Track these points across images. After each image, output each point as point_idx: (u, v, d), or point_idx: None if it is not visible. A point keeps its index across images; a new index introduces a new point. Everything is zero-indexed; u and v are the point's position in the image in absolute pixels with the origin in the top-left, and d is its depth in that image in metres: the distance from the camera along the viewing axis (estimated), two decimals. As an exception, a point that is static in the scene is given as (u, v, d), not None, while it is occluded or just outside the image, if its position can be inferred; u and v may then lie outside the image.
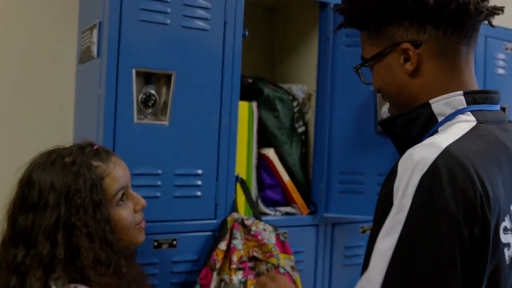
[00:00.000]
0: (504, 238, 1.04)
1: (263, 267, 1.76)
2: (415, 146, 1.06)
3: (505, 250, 1.05)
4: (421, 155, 1.01)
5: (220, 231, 1.76)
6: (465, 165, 1.00)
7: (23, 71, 2.01)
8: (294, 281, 1.78)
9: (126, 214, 1.42)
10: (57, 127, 2.04)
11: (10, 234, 1.33)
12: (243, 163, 1.90)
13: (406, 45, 1.17)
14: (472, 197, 0.98)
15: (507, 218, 1.05)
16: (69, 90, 2.04)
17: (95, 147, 1.44)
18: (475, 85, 1.20)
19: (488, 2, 1.18)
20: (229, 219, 1.78)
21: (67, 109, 2.03)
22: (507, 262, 1.05)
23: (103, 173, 1.38)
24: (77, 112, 1.99)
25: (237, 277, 1.68)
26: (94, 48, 1.72)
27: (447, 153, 1.01)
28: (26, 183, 1.34)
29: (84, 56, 1.85)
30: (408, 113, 1.20)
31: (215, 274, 1.68)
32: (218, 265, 1.70)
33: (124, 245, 1.42)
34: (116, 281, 1.32)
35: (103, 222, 1.34)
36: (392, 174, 1.05)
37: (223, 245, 1.71)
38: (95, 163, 1.38)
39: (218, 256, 1.71)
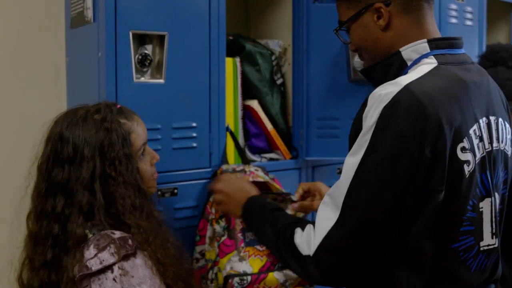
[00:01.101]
0: (463, 156, 1.29)
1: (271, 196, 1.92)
2: (382, 85, 1.31)
3: (465, 166, 1.29)
4: (386, 91, 1.26)
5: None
6: (419, 97, 1.24)
7: (12, 40, 2.07)
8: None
9: (147, 167, 1.58)
10: (51, 90, 2.12)
11: (46, 186, 1.45)
12: (230, 115, 2.06)
13: (379, 5, 1.40)
14: (424, 123, 1.22)
15: (465, 140, 1.29)
16: (60, 55, 2.12)
17: (119, 106, 1.58)
18: (438, 34, 1.44)
19: None
20: (218, 171, 1.94)
21: (60, 73, 2.12)
22: (467, 176, 1.30)
23: (129, 129, 1.53)
24: (70, 75, 2.07)
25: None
26: (89, 13, 1.82)
27: (405, 89, 1.25)
28: (59, 139, 1.47)
29: (76, 21, 1.94)
30: (384, 61, 1.44)
31: (209, 224, 1.85)
32: (211, 216, 1.86)
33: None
34: (150, 224, 1.47)
35: (134, 172, 1.49)
36: (363, 106, 1.31)
37: (211, 197, 1.87)
38: (122, 120, 1.53)
39: (211, 208, 1.87)
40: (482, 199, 1.36)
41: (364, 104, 1.30)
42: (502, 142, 1.43)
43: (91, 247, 1.37)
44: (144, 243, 1.43)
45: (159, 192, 1.85)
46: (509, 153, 1.47)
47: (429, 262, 1.29)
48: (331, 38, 2.14)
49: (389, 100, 1.23)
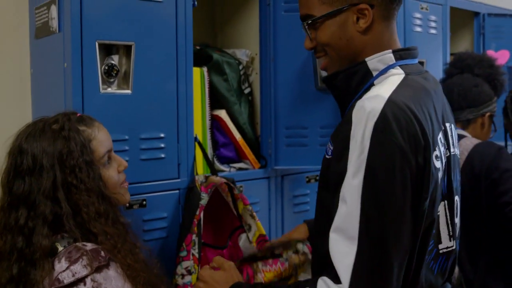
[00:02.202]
0: (436, 163, 1.31)
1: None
2: (363, 98, 1.30)
3: (438, 173, 1.32)
4: (371, 106, 1.24)
5: (193, 199, 1.90)
6: (404, 109, 1.25)
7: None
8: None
9: (113, 174, 1.55)
10: (16, 102, 2.08)
11: (8, 200, 1.43)
12: (198, 125, 2.05)
13: (365, 6, 1.36)
14: (414, 133, 1.24)
15: (437, 148, 1.32)
16: (24, 66, 2.08)
17: (78, 114, 1.56)
18: (399, 43, 1.44)
19: None
20: (197, 185, 1.92)
21: (24, 84, 2.08)
22: (439, 182, 1.33)
23: (89, 136, 1.51)
24: (35, 87, 2.04)
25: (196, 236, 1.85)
26: (54, 23, 1.79)
27: (390, 102, 1.25)
28: (18, 152, 1.45)
29: (41, 32, 1.91)
30: (347, 69, 1.42)
31: (194, 236, 1.84)
32: (195, 229, 1.85)
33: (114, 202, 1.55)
34: (116, 230, 1.45)
35: (97, 179, 1.47)
36: (347, 123, 1.28)
37: (198, 211, 1.86)
38: (81, 128, 1.51)
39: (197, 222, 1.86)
40: (439, 203, 1.38)
41: (348, 121, 1.28)
42: (456, 147, 1.47)
43: (63, 259, 1.36)
44: (113, 249, 1.42)
45: (127, 204, 1.83)
46: (459, 156, 1.52)
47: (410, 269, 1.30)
48: (298, 46, 2.16)
49: (378, 115, 1.23)
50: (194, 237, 1.83)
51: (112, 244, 1.42)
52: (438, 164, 1.31)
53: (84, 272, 1.34)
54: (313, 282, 1.28)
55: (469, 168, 2.19)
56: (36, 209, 1.41)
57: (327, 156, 1.40)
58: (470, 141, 2.28)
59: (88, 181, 1.44)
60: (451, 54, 3.16)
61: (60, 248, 1.39)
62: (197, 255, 1.83)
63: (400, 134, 1.22)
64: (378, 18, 1.38)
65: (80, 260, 1.35)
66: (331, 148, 1.36)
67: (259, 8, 2.22)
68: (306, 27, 1.44)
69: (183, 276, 1.84)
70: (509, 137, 2.72)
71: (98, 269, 1.36)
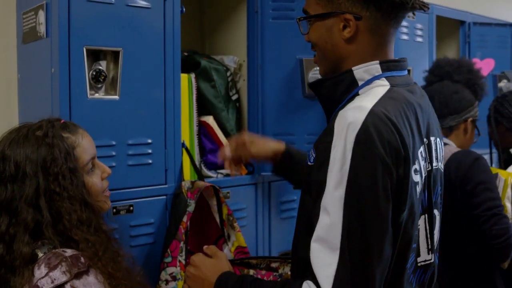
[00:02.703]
0: (415, 177, 1.32)
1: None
2: (346, 109, 1.31)
3: (416, 187, 1.32)
4: (353, 117, 1.25)
5: (179, 205, 1.91)
6: (386, 121, 1.25)
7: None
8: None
9: (96, 181, 1.55)
10: (2, 107, 2.08)
11: None
12: (186, 131, 2.05)
13: (349, 17, 1.37)
14: (395, 145, 1.24)
15: (417, 162, 1.32)
16: (11, 70, 2.08)
17: (62, 121, 1.55)
18: (390, 55, 1.44)
19: None
20: (184, 191, 1.93)
21: (11, 89, 2.08)
22: (418, 196, 1.34)
23: (73, 143, 1.51)
24: (22, 92, 2.04)
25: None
26: (42, 29, 1.79)
27: (372, 113, 1.25)
28: (1, 159, 1.44)
29: (29, 37, 1.91)
30: (334, 77, 1.43)
31: (181, 243, 1.84)
32: (183, 236, 1.86)
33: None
34: (98, 238, 1.45)
35: (80, 186, 1.47)
36: (329, 133, 1.28)
37: (185, 218, 1.87)
38: (65, 135, 1.50)
39: (183, 229, 1.86)
40: (419, 217, 1.40)
41: (330, 131, 1.28)
42: (439, 161, 1.48)
43: (42, 266, 1.35)
44: (94, 257, 1.41)
45: (114, 210, 1.83)
46: (442, 170, 1.52)
47: (388, 281, 1.31)
48: (286, 54, 2.20)
49: (360, 126, 1.23)
50: (181, 244, 1.83)
51: (93, 252, 1.42)
52: (416, 178, 1.33)
53: (63, 278, 1.33)
54: (299, 284, 1.28)
55: (446, 177, 2.21)
56: (17, 216, 1.40)
57: (309, 163, 1.41)
58: (449, 149, 2.29)
59: (71, 188, 1.44)
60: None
61: (40, 255, 1.39)
62: (183, 262, 1.83)
63: (382, 145, 1.22)
64: (365, 30, 1.39)
65: (59, 266, 1.34)
66: (313, 155, 1.36)
67: (247, 15, 2.23)
68: (299, 22, 1.49)
69: (167, 282, 1.84)
70: (493, 144, 2.75)
71: (77, 275, 1.36)
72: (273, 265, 1.76)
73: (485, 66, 3.34)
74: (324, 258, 1.23)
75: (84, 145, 1.53)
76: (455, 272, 2.30)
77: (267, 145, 1.93)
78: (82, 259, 1.38)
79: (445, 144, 2.31)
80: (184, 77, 2.04)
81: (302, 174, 1.81)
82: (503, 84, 3.36)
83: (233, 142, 1.94)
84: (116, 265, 1.46)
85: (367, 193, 1.22)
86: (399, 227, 1.29)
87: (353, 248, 1.21)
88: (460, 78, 2.46)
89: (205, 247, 1.61)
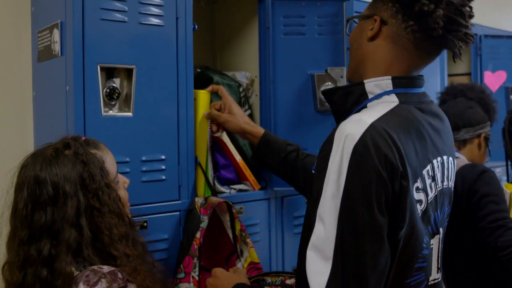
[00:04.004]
0: (417, 195, 1.32)
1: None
2: (347, 121, 1.33)
3: (418, 205, 1.33)
4: (352, 130, 1.27)
5: (192, 221, 1.91)
6: (385, 136, 1.26)
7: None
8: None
9: (122, 192, 1.58)
10: (18, 124, 2.10)
11: (28, 233, 1.41)
12: (202, 147, 2.06)
13: (377, 17, 1.43)
14: (392, 160, 1.25)
15: (419, 180, 1.33)
16: (26, 88, 2.10)
17: (83, 138, 1.57)
18: (406, 72, 1.44)
19: (462, 31, 1.40)
20: (197, 207, 1.93)
21: (26, 106, 2.10)
22: (420, 214, 1.34)
23: (102, 158, 1.52)
24: (37, 109, 2.06)
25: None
26: (57, 47, 1.82)
27: (372, 128, 1.27)
28: (35, 182, 1.43)
29: (43, 55, 1.94)
30: (345, 87, 1.48)
31: (195, 259, 1.85)
32: (196, 252, 1.86)
33: None
34: (136, 252, 1.47)
35: (117, 200, 1.49)
36: (329, 142, 1.31)
37: (198, 234, 1.87)
38: (92, 151, 1.52)
39: (197, 246, 1.87)
40: (433, 236, 1.41)
41: (330, 140, 1.30)
42: (450, 180, 1.48)
43: (80, 284, 1.34)
44: (133, 272, 1.42)
45: (128, 224, 1.84)
46: (452, 188, 1.53)
47: None
48: (298, 69, 2.22)
49: (358, 139, 1.24)
50: (195, 260, 1.83)
51: (133, 267, 1.42)
52: (419, 196, 1.33)
53: None
54: None
55: (453, 191, 2.21)
56: (59, 237, 1.39)
57: (313, 171, 1.43)
58: (458, 163, 2.29)
59: (110, 203, 1.46)
60: (449, 75, 3.20)
61: (76, 272, 1.38)
62: (197, 278, 1.83)
63: (378, 159, 1.23)
64: (386, 36, 1.43)
65: (100, 283, 1.34)
66: (315, 164, 1.38)
67: (258, 31, 2.24)
68: (349, 21, 1.59)
69: None
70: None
71: None
72: (288, 281, 1.76)
73: (497, 78, 3.34)
74: (318, 267, 1.25)
75: (110, 160, 1.56)
76: (462, 285, 2.29)
77: (237, 122, 2.01)
78: (120, 275, 1.38)
79: (456, 157, 2.31)
80: (203, 94, 2.05)
81: (278, 163, 1.96)
82: (515, 96, 3.36)
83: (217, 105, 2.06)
84: (152, 277, 1.48)
85: (361, 205, 1.23)
86: (398, 243, 1.29)
87: (345, 258, 1.23)
88: (473, 96, 2.52)
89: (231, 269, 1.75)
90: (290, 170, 1.96)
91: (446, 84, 3.12)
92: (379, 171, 1.23)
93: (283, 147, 1.97)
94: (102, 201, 1.44)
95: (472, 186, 2.18)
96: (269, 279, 1.79)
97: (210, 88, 2.06)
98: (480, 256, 2.22)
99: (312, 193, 1.36)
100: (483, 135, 2.43)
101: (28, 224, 1.41)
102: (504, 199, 2.22)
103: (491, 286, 2.26)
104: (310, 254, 1.27)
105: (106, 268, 1.38)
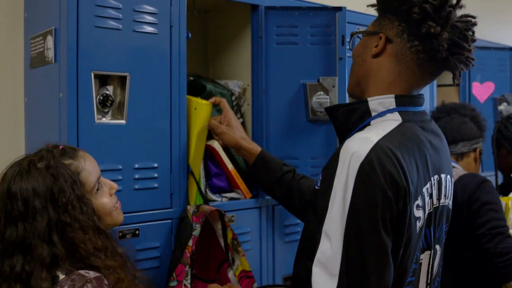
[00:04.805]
0: (417, 213, 1.34)
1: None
2: (352, 138, 1.34)
3: (417, 222, 1.34)
4: (358, 148, 1.29)
5: (185, 229, 1.91)
6: (390, 155, 1.28)
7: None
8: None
9: (106, 200, 1.56)
10: (9, 131, 2.09)
11: (1, 248, 1.40)
12: (199, 158, 2.06)
13: (383, 35, 1.45)
14: (397, 179, 1.26)
15: (419, 198, 1.35)
16: (18, 95, 2.10)
17: (61, 147, 1.55)
18: (409, 91, 1.47)
19: (465, 54, 1.43)
20: (189, 215, 1.93)
21: (18, 113, 2.09)
22: (417, 231, 1.35)
23: (77, 169, 1.50)
24: (29, 116, 2.05)
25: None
26: (50, 53, 1.81)
27: (377, 146, 1.29)
28: (7, 197, 1.42)
29: (36, 61, 1.93)
30: (349, 105, 1.49)
31: (187, 267, 1.84)
32: (188, 260, 1.86)
33: (109, 228, 1.56)
34: (117, 262, 1.45)
35: (90, 214, 1.46)
36: (334, 160, 1.32)
37: (191, 242, 1.87)
38: (66, 162, 1.49)
39: (189, 254, 1.86)
40: (423, 251, 1.42)
41: (336, 158, 1.32)
42: (447, 198, 1.50)
43: (65, 287, 1.34)
44: (118, 282, 1.41)
45: (120, 233, 1.83)
46: (450, 206, 1.54)
47: None
48: (290, 78, 2.23)
49: (364, 157, 1.26)
50: (187, 268, 1.83)
51: (116, 277, 1.42)
52: (418, 213, 1.35)
53: None
54: None
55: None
56: (32, 253, 1.38)
57: (316, 187, 1.45)
58: (456, 172, 2.34)
59: (82, 218, 1.43)
60: (438, 86, 3.23)
61: (61, 276, 1.37)
62: (189, 286, 1.83)
63: (384, 178, 1.25)
64: (391, 54, 1.45)
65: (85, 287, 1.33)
66: (320, 179, 1.40)
67: (251, 40, 2.25)
68: (353, 36, 1.60)
69: None
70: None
71: None
72: None
73: (485, 89, 3.37)
74: (324, 283, 1.26)
75: (88, 168, 1.53)
76: None
77: (234, 136, 2.01)
78: (106, 281, 1.38)
79: (452, 166, 2.35)
80: (206, 105, 2.03)
81: (273, 182, 1.96)
82: (503, 107, 3.39)
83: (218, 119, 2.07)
84: (136, 287, 1.47)
85: (367, 223, 1.24)
86: (397, 260, 1.31)
87: (351, 276, 1.24)
88: (466, 113, 2.61)
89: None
90: (285, 191, 1.96)
91: (435, 94, 3.16)
92: (385, 190, 1.24)
93: (279, 167, 1.98)
94: (73, 216, 1.42)
95: (473, 195, 2.23)
96: None
97: (213, 100, 2.05)
98: (478, 261, 2.24)
99: (315, 208, 1.36)
100: (478, 149, 2.50)
101: (1, 239, 1.40)
102: (502, 208, 2.26)
103: None
104: (316, 271, 1.27)
105: (92, 274, 1.38)
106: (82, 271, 1.38)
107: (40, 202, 1.40)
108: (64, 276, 1.37)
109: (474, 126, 2.56)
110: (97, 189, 1.55)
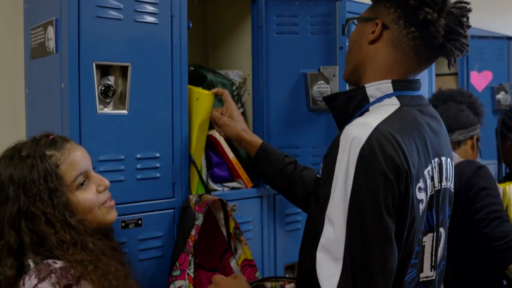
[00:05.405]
0: (419, 195, 1.35)
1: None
2: (351, 124, 1.35)
3: (420, 205, 1.35)
4: (358, 133, 1.29)
5: (187, 219, 1.91)
6: (390, 139, 1.28)
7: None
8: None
9: (89, 195, 1.54)
10: (9, 123, 2.09)
11: None
12: (200, 148, 2.06)
13: (379, 21, 1.45)
14: (398, 162, 1.27)
15: (421, 180, 1.35)
16: (19, 86, 2.09)
17: (51, 137, 1.55)
18: (406, 76, 1.48)
19: (461, 40, 1.44)
20: (191, 204, 1.94)
21: (18, 104, 2.09)
22: (420, 214, 1.36)
23: (57, 161, 1.50)
24: (30, 107, 2.05)
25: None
26: (51, 44, 1.81)
27: (377, 130, 1.29)
28: None
29: (37, 52, 1.93)
30: (347, 93, 1.49)
31: (190, 256, 1.85)
32: (191, 249, 1.87)
33: (91, 225, 1.54)
34: (86, 256, 1.44)
35: (61, 207, 1.46)
36: (335, 146, 1.32)
37: (193, 231, 1.87)
38: (49, 153, 1.50)
39: (192, 243, 1.87)
40: (425, 234, 1.43)
41: (335, 145, 1.32)
42: (449, 180, 1.51)
43: (33, 276, 1.37)
44: (84, 272, 1.42)
45: (123, 223, 1.84)
46: (452, 190, 1.55)
47: None
48: (290, 68, 2.23)
49: (364, 141, 1.27)
50: (190, 257, 1.84)
51: (82, 268, 1.42)
52: (421, 195, 1.36)
53: None
54: None
55: None
56: (2, 238, 1.41)
57: (317, 175, 1.46)
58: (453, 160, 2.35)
59: (50, 211, 1.44)
60: (436, 75, 3.24)
61: (32, 265, 1.40)
62: (192, 275, 1.84)
63: (384, 161, 1.26)
64: (387, 40, 1.45)
65: (49, 278, 1.36)
66: (321, 167, 1.40)
67: (251, 30, 2.26)
68: (346, 25, 1.63)
69: None
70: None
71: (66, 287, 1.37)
72: (288, 286, 1.78)
73: (483, 78, 3.38)
74: (328, 269, 1.26)
75: (71, 161, 1.52)
76: (461, 280, 2.32)
77: (235, 128, 2.01)
78: (72, 271, 1.39)
79: None
80: (208, 95, 2.02)
81: (275, 174, 1.96)
82: (500, 96, 3.41)
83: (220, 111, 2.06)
84: (107, 282, 1.46)
85: (369, 207, 1.25)
86: (401, 243, 1.31)
87: (355, 260, 1.24)
88: (463, 100, 2.62)
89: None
90: (287, 182, 1.97)
91: (434, 83, 3.17)
92: (386, 173, 1.25)
93: (281, 159, 1.98)
94: (40, 208, 1.43)
95: (470, 181, 2.24)
96: (268, 285, 1.80)
97: (215, 90, 2.05)
98: (477, 246, 2.25)
99: (318, 197, 1.37)
100: (475, 136, 2.51)
101: None
102: (499, 193, 2.27)
103: (490, 276, 2.31)
104: (320, 256, 1.28)
105: (59, 264, 1.40)
106: (50, 261, 1.40)
107: (13, 189, 1.44)
108: (34, 265, 1.40)
109: (471, 113, 2.56)
110: (82, 184, 1.54)
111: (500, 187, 2.43)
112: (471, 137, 2.52)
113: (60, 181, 1.48)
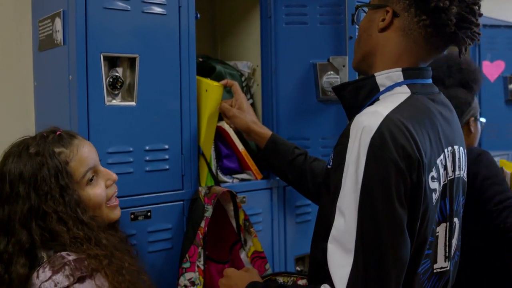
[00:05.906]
0: (432, 184, 1.32)
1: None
2: (362, 113, 1.32)
3: (433, 194, 1.33)
4: (368, 122, 1.27)
5: (197, 211, 1.91)
6: (401, 127, 1.26)
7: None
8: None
9: (98, 191, 1.54)
10: (19, 115, 2.09)
11: None
12: (210, 140, 2.05)
13: (390, 9, 1.42)
14: (409, 151, 1.25)
15: (434, 169, 1.33)
16: (27, 78, 2.09)
17: (58, 132, 1.54)
18: (415, 64, 1.45)
19: (472, 28, 1.41)
20: (201, 196, 1.93)
21: (27, 97, 2.09)
22: (434, 203, 1.34)
23: (67, 158, 1.49)
24: (38, 100, 2.05)
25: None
26: (59, 36, 1.80)
27: (388, 119, 1.27)
28: (0, 177, 1.45)
29: (45, 44, 1.92)
30: (356, 82, 1.47)
31: (199, 248, 1.85)
32: (201, 241, 1.86)
33: (100, 220, 1.54)
34: (100, 251, 1.44)
35: (73, 205, 1.45)
36: (345, 136, 1.31)
37: (203, 223, 1.87)
38: (57, 150, 1.49)
39: (201, 235, 1.86)
40: (438, 224, 1.41)
41: (346, 134, 1.30)
42: (462, 169, 1.49)
43: (47, 268, 1.36)
44: (99, 266, 1.42)
45: (132, 216, 1.83)
46: (465, 179, 1.53)
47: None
48: (299, 58, 2.21)
49: (375, 130, 1.25)
50: (199, 249, 1.83)
51: (97, 262, 1.42)
52: (434, 185, 1.33)
53: (65, 282, 1.34)
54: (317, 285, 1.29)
55: None
56: (15, 236, 1.41)
57: (328, 166, 1.44)
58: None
59: (61, 209, 1.43)
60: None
61: (46, 257, 1.40)
62: (202, 267, 1.83)
63: (396, 150, 1.23)
64: (398, 28, 1.43)
65: (63, 270, 1.35)
66: (332, 158, 1.39)
67: (260, 21, 2.24)
68: (355, 14, 1.60)
69: (186, 287, 1.84)
70: None
71: (80, 279, 1.36)
72: (300, 282, 1.77)
73: (495, 68, 3.34)
74: (339, 260, 1.25)
75: (80, 157, 1.51)
76: (472, 272, 2.30)
77: (245, 119, 1.98)
78: (86, 263, 1.39)
79: None
80: (217, 87, 2.01)
81: (285, 166, 1.95)
82: (513, 85, 3.37)
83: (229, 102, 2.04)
84: (121, 278, 1.45)
85: (380, 196, 1.23)
86: (414, 233, 1.29)
87: (366, 251, 1.23)
88: (451, 82, 2.41)
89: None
90: (298, 174, 1.96)
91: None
92: (397, 162, 1.23)
93: (291, 150, 1.97)
94: (52, 207, 1.42)
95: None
96: (281, 279, 1.80)
97: (224, 82, 2.03)
98: (488, 238, 2.22)
99: (329, 188, 1.35)
100: (471, 119, 2.38)
101: None
102: (504, 178, 2.22)
103: (495, 268, 2.28)
104: (331, 248, 1.27)
105: (73, 256, 1.39)
106: (64, 253, 1.39)
107: (24, 187, 1.42)
108: (48, 257, 1.39)
109: (462, 96, 2.38)
110: (91, 179, 1.53)
111: (507, 171, 2.39)
112: (466, 123, 2.37)
113: (71, 178, 1.48)
